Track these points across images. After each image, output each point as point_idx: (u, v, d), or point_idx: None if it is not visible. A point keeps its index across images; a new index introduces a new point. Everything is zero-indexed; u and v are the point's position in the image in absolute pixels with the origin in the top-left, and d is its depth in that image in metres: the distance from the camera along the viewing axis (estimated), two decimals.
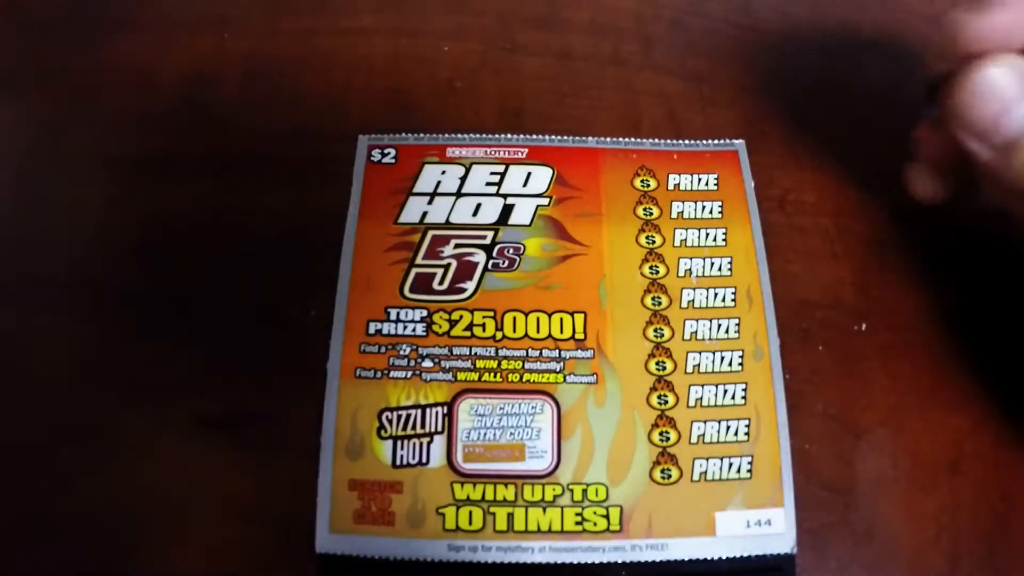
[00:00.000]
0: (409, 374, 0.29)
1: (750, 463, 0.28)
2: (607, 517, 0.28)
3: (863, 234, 0.32)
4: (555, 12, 0.38)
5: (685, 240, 0.31)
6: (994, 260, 0.31)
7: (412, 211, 0.31)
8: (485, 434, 0.28)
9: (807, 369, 0.30)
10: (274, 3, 0.37)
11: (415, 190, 0.31)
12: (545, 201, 0.31)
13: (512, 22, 0.37)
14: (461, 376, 0.29)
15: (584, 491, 0.28)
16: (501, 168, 0.32)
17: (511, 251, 0.30)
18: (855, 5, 0.38)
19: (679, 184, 0.32)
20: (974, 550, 0.29)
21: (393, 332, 0.29)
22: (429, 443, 0.28)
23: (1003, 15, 0.25)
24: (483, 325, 0.30)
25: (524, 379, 0.29)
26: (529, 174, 0.32)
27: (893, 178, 0.30)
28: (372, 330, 0.29)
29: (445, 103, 0.35)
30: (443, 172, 0.32)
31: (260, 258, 0.31)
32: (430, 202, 0.31)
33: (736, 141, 0.34)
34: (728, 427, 0.29)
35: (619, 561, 0.27)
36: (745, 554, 0.27)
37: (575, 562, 0.27)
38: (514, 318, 0.30)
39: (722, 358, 0.29)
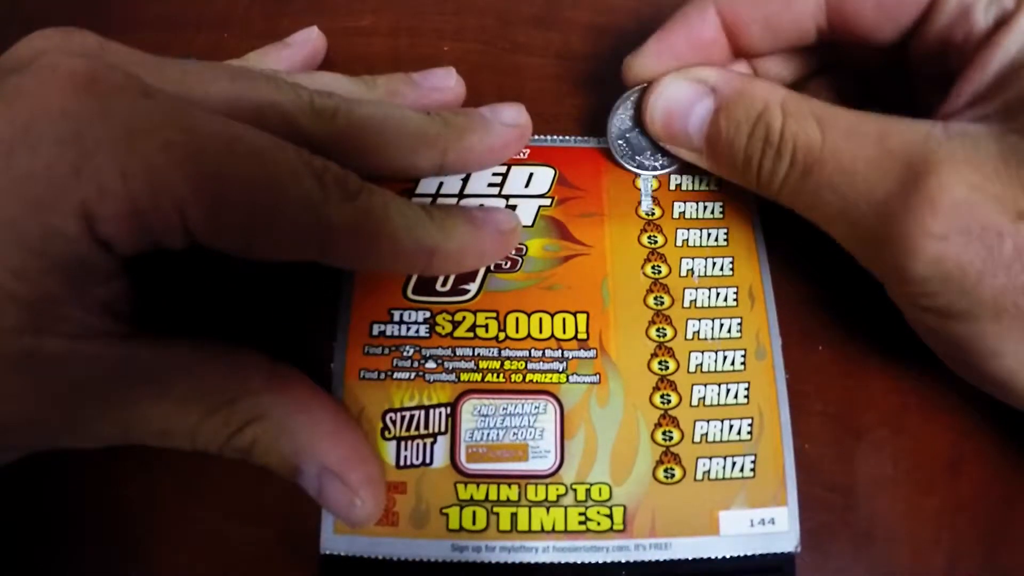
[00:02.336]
0: (412, 375, 0.29)
1: (753, 462, 0.28)
2: (611, 517, 0.28)
3: None
4: (555, 12, 0.38)
5: (687, 240, 0.31)
6: None
7: None
8: (488, 434, 0.28)
9: (807, 369, 0.31)
10: (274, 3, 0.37)
11: (418, 191, 0.31)
12: (547, 202, 0.31)
13: (512, 22, 0.37)
14: (464, 377, 0.29)
15: (588, 491, 0.28)
16: (503, 169, 0.32)
17: (513, 252, 0.30)
18: None
19: (680, 184, 0.32)
20: (974, 550, 0.29)
21: (396, 333, 0.29)
22: (433, 444, 0.28)
23: (655, 50, 0.30)
24: (486, 326, 0.30)
25: (527, 379, 0.29)
26: (531, 175, 0.32)
27: None
28: (376, 332, 0.29)
29: None
30: None
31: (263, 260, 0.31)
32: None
33: None
34: (731, 426, 0.29)
35: (623, 561, 0.27)
36: (749, 553, 0.27)
37: (579, 562, 0.27)
38: (517, 319, 0.30)
39: (724, 357, 0.30)
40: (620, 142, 0.31)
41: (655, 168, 0.32)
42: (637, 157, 0.32)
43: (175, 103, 0.23)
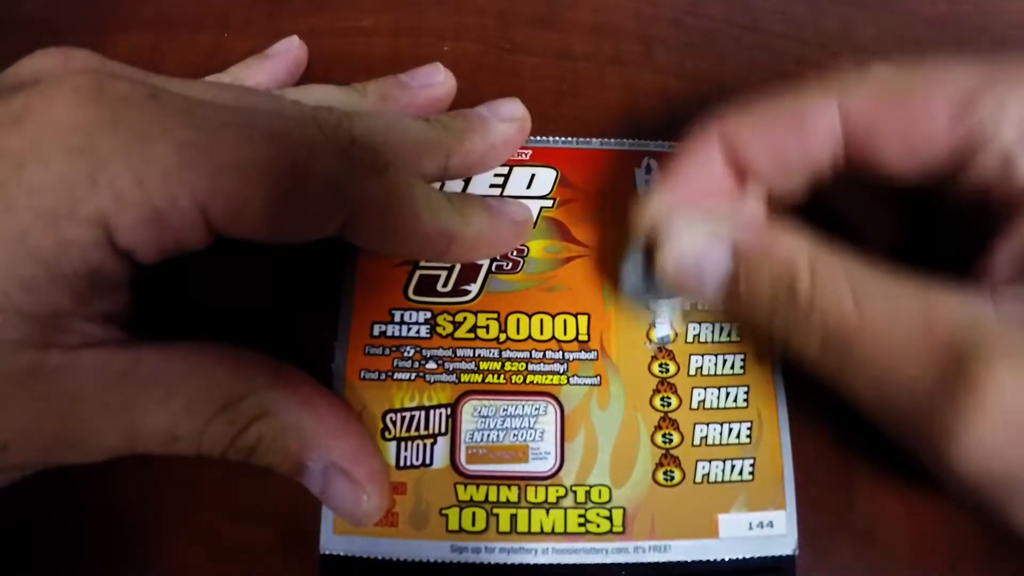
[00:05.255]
0: (413, 376, 0.29)
1: (752, 465, 0.28)
2: (610, 519, 0.28)
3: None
4: (555, 12, 0.38)
5: None
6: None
7: None
8: (488, 435, 0.28)
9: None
10: (274, 3, 0.37)
11: None
12: (549, 203, 0.31)
13: (512, 22, 0.37)
14: (465, 378, 0.29)
15: (587, 493, 0.28)
16: (505, 170, 0.32)
17: (514, 253, 0.30)
18: (856, 5, 0.38)
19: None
20: (974, 550, 0.29)
21: (397, 334, 0.29)
22: (433, 444, 0.28)
23: (665, 199, 0.27)
24: (487, 327, 0.30)
25: (527, 380, 0.29)
26: (533, 176, 0.32)
27: None
28: (376, 332, 0.29)
29: None
30: None
31: (264, 260, 0.31)
32: None
33: None
34: (730, 429, 0.29)
35: (622, 562, 0.27)
36: (747, 556, 0.27)
37: (578, 563, 0.27)
38: (518, 320, 0.30)
39: (724, 361, 0.30)
40: (632, 284, 0.29)
41: (671, 297, 0.30)
42: (652, 302, 0.30)
43: (183, 101, 0.23)
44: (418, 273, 0.30)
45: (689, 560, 0.27)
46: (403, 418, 0.28)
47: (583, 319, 0.30)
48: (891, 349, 0.22)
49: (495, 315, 0.30)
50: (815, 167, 0.26)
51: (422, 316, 0.30)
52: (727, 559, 0.27)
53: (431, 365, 0.29)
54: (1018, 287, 0.23)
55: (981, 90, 0.23)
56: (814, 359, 0.24)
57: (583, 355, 0.29)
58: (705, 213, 0.26)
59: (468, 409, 0.29)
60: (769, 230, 0.25)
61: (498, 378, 0.29)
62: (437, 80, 0.33)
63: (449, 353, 0.29)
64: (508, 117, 0.31)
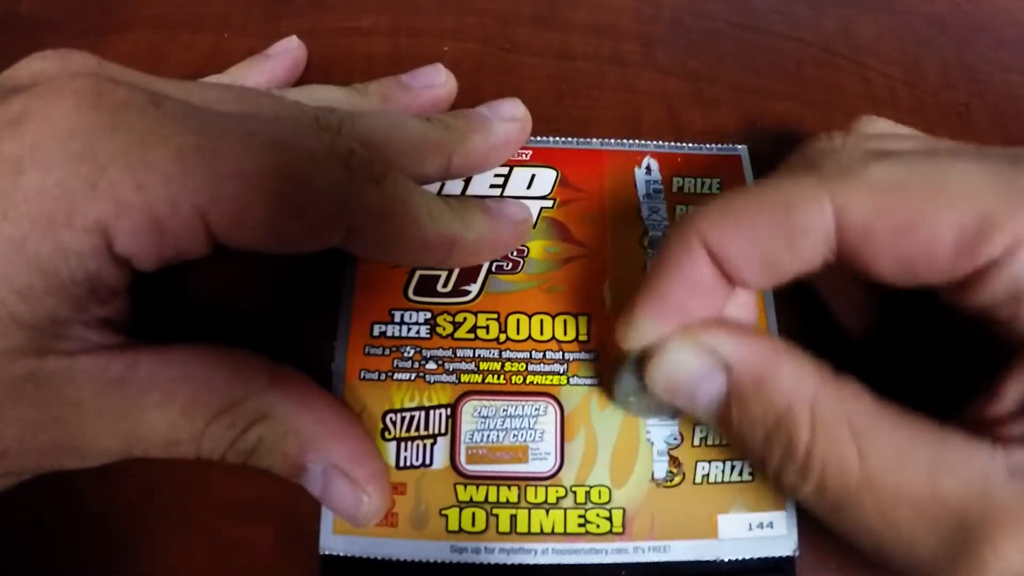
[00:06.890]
0: (413, 376, 0.29)
1: (752, 466, 0.28)
2: (610, 519, 0.28)
3: None
4: (555, 12, 0.38)
5: None
6: None
7: None
8: (488, 436, 0.28)
9: None
10: (274, 3, 0.37)
11: None
12: (549, 203, 0.31)
13: (512, 22, 0.37)
14: (465, 378, 0.29)
15: (587, 493, 0.28)
16: (505, 170, 0.32)
17: (515, 253, 0.30)
18: (856, 5, 0.38)
19: (682, 187, 0.32)
20: None
21: (397, 334, 0.29)
22: (433, 445, 0.28)
23: (649, 311, 0.24)
24: (487, 327, 0.30)
25: (528, 381, 0.29)
26: (533, 176, 0.32)
27: None
28: (376, 332, 0.29)
29: None
30: None
31: (264, 260, 0.31)
32: None
33: (739, 147, 0.33)
34: None
35: (622, 563, 0.27)
36: (747, 556, 0.27)
37: (578, 563, 0.27)
38: (518, 320, 0.30)
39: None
40: (626, 396, 0.27)
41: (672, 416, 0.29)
42: (650, 412, 0.29)
43: (184, 107, 0.23)
44: (418, 273, 0.30)
45: (689, 560, 0.27)
46: (403, 418, 0.28)
47: (583, 319, 0.30)
48: (894, 506, 0.20)
49: (495, 315, 0.30)
50: (805, 266, 0.23)
51: (422, 316, 0.30)
52: (727, 559, 0.27)
53: (431, 365, 0.29)
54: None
55: (995, 219, 0.20)
56: (810, 504, 0.22)
57: (583, 355, 0.29)
58: (697, 327, 0.23)
59: (468, 409, 0.29)
60: (768, 350, 0.23)
61: (498, 378, 0.29)
62: (438, 81, 0.32)
63: (449, 353, 0.29)
64: (509, 117, 0.31)
